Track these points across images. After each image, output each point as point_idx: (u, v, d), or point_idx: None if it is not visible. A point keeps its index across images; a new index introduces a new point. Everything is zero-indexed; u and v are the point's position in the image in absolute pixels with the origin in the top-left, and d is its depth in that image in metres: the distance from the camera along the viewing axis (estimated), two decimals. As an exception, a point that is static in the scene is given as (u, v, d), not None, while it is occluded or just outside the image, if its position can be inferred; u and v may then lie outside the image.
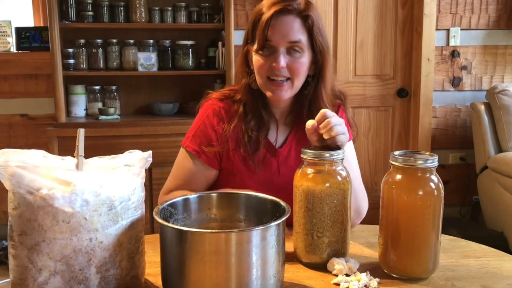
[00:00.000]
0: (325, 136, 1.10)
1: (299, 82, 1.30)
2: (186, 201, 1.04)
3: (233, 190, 1.12)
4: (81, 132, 0.92)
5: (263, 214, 1.01)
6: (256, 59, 1.29)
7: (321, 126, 1.11)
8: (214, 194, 1.07)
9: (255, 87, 1.34)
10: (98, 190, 0.87)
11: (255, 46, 1.28)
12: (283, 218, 0.90)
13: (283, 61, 1.25)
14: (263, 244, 0.86)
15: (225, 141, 1.33)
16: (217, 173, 1.36)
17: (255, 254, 0.85)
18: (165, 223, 0.88)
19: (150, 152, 1.00)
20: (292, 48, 1.27)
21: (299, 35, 1.27)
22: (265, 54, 1.27)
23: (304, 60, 1.29)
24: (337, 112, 1.38)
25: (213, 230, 0.92)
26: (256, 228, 0.86)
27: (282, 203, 0.99)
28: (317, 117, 1.13)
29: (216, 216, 1.07)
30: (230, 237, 0.85)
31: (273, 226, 0.88)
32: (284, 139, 1.39)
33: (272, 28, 1.25)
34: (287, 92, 1.29)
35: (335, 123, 1.11)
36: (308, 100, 1.34)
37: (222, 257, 0.84)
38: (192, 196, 1.05)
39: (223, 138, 1.33)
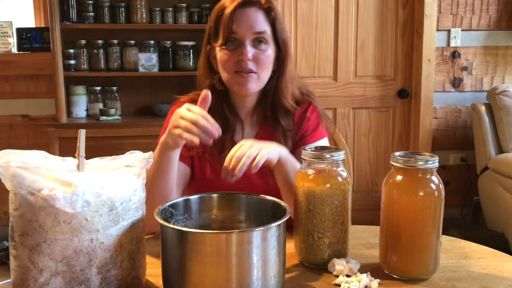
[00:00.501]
0: (237, 173, 1.08)
1: (265, 75, 1.30)
2: (186, 201, 1.04)
3: None
4: (82, 133, 0.93)
5: (263, 215, 1.02)
6: (221, 55, 1.28)
7: (230, 167, 1.09)
8: (214, 195, 1.07)
9: (219, 87, 1.33)
10: (99, 191, 0.87)
11: (220, 41, 1.27)
12: (284, 219, 0.90)
13: (250, 53, 1.25)
14: (264, 244, 0.86)
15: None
16: (190, 171, 1.36)
17: (256, 255, 0.86)
18: (166, 223, 0.88)
19: (151, 152, 1.00)
20: (258, 40, 1.27)
21: (264, 26, 1.27)
22: (230, 48, 1.27)
23: (270, 53, 1.29)
24: (307, 109, 1.38)
25: (214, 231, 0.92)
26: (257, 229, 0.86)
27: (283, 203, 0.99)
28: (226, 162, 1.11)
29: (216, 217, 1.07)
30: (231, 238, 0.85)
31: (273, 227, 0.88)
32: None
33: (237, 21, 1.25)
34: (254, 84, 1.28)
35: (241, 152, 1.09)
36: (271, 97, 1.34)
37: (223, 257, 0.84)
38: (193, 197, 1.05)
39: None
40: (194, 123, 1.07)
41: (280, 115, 1.35)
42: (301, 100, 1.39)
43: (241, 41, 1.26)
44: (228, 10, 1.25)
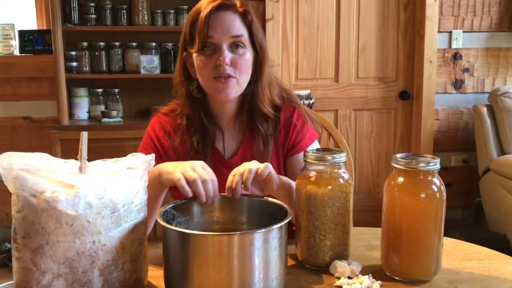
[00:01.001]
0: (246, 189, 1.06)
1: (244, 80, 1.27)
2: (188, 203, 1.05)
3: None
4: (85, 135, 0.93)
5: (265, 217, 1.02)
6: (199, 61, 1.25)
7: (233, 188, 1.06)
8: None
9: (196, 95, 1.31)
10: (101, 193, 0.88)
11: (196, 47, 1.24)
12: (286, 221, 0.90)
13: (227, 57, 1.22)
14: (265, 246, 0.86)
15: (173, 156, 1.30)
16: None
17: (258, 257, 0.86)
18: (168, 225, 0.88)
19: (153, 155, 1.00)
20: (235, 44, 1.24)
21: (241, 29, 1.25)
22: (207, 53, 1.24)
23: (248, 56, 1.26)
24: (292, 115, 1.36)
25: (216, 233, 0.92)
26: (259, 231, 0.86)
27: (285, 206, 0.99)
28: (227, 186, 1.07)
29: (218, 219, 1.07)
30: (233, 240, 0.85)
31: (275, 229, 0.88)
32: (236, 148, 1.36)
33: (213, 25, 1.22)
34: (234, 90, 1.25)
35: (243, 169, 1.06)
36: (248, 102, 1.32)
37: (225, 259, 0.84)
38: (195, 199, 1.05)
39: (170, 152, 1.31)
40: (203, 181, 1.03)
41: (259, 121, 1.32)
42: (281, 105, 1.37)
43: (218, 46, 1.23)
44: (203, 14, 1.22)
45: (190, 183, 1.02)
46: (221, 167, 1.30)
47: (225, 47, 1.23)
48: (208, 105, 1.34)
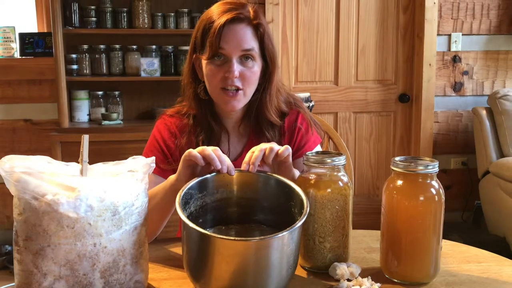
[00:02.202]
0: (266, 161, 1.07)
1: (251, 91, 1.29)
2: (204, 180, 1.05)
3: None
4: (86, 138, 0.93)
5: (280, 196, 1.04)
6: (208, 69, 1.27)
7: (249, 165, 1.06)
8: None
9: (203, 97, 1.32)
10: (102, 195, 0.88)
11: (206, 55, 1.25)
12: (302, 221, 0.91)
13: (237, 70, 1.24)
14: (281, 246, 0.89)
15: (179, 157, 1.32)
16: None
17: (272, 257, 0.88)
18: (190, 223, 0.89)
19: (153, 157, 1.01)
20: (245, 57, 1.25)
21: (252, 43, 1.26)
22: (217, 63, 1.25)
23: (256, 69, 1.28)
24: (296, 119, 1.38)
25: (233, 238, 0.94)
26: (276, 236, 0.87)
27: (301, 192, 1.00)
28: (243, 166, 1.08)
29: (233, 192, 1.08)
30: (249, 245, 0.87)
31: (292, 231, 0.89)
32: (241, 150, 1.37)
33: (225, 36, 1.23)
34: (240, 102, 1.28)
35: (264, 146, 1.07)
36: (255, 109, 1.33)
37: (241, 259, 0.87)
38: (210, 175, 1.06)
39: (177, 153, 1.32)
40: (213, 150, 1.04)
41: (265, 128, 1.34)
42: (287, 112, 1.38)
43: (228, 58, 1.25)
44: (216, 25, 1.23)
45: (201, 153, 1.04)
46: None
47: (235, 59, 1.24)
48: (215, 108, 1.36)
